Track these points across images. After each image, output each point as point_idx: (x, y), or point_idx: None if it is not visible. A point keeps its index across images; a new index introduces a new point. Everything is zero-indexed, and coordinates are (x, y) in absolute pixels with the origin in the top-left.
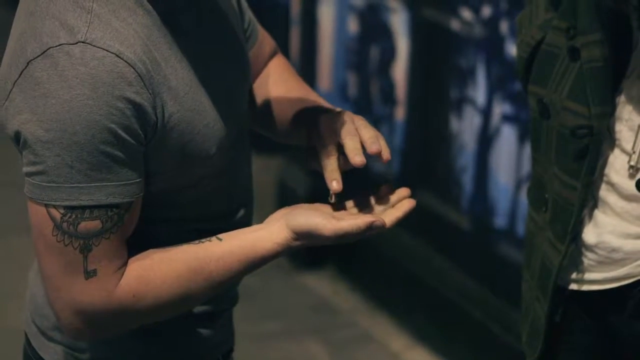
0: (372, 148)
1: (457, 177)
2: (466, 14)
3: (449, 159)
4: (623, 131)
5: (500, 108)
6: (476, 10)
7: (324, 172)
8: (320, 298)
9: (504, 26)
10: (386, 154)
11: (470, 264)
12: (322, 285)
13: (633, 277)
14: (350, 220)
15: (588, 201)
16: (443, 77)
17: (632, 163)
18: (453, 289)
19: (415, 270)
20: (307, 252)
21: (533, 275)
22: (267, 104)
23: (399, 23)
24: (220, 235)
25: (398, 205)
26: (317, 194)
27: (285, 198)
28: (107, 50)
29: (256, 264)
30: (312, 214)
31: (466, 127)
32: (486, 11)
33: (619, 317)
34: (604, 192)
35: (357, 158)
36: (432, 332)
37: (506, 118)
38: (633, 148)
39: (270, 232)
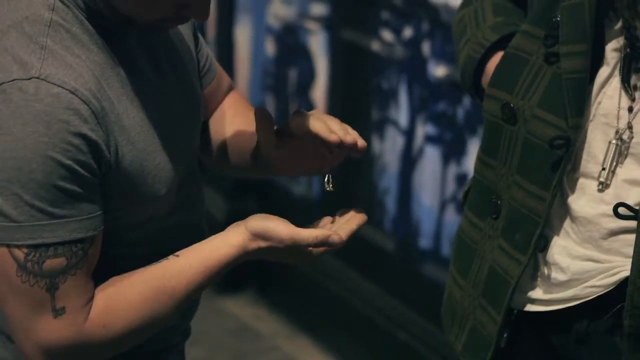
0: (346, 138)
1: (380, 199)
2: (387, 35)
3: (372, 181)
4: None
5: (423, 129)
6: (397, 32)
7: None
8: (241, 323)
9: (425, 47)
10: (361, 142)
11: (395, 285)
12: (242, 309)
13: (579, 299)
14: (308, 229)
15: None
16: (364, 98)
17: (602, 179)
18: (378, 310)
19: (339, 292)
20: (227, 275)
21: (475, 284)
22: (227, 138)
23: (317, 44)
24: (177, 252)
25: (349, 219)
26: (236, 218)
27: None
28: (61, 87)
29: (216, 272)
30: (270, 217)
31: (389, 148)
32: (407, 32)
33: (563, 340)
34: (557, 210)
35: (332, 136)
36: (357, 354)
37: (429, 139)
38: (603, 164)
39: (227, 236)
